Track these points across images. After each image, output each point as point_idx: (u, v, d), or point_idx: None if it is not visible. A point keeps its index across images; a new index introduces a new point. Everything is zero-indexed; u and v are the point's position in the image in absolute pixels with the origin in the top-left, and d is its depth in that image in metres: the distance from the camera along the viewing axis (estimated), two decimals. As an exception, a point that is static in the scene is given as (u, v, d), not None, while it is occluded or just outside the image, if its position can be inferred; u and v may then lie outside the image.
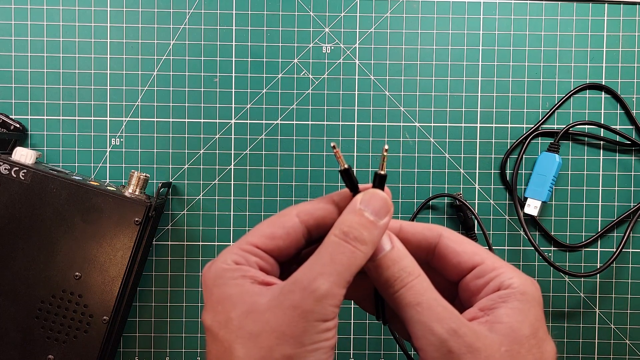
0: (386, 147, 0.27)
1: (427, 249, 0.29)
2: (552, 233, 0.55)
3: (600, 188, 0.55)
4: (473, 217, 0.53)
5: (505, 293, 0.26)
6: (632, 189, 0.55)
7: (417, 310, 0.25)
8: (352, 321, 0.55)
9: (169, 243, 0.54)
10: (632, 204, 0.55)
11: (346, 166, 0.26)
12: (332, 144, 0.27)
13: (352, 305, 0.55)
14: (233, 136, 0.54)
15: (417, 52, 0.54)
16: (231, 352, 0.24)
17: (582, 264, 0.55)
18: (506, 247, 0.55)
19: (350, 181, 0.27)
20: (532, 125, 0.54)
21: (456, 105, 0.55)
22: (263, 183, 0.55)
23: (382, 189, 0.27)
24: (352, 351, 0.55)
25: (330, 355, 0.24)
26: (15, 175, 0.46)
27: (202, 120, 0.54)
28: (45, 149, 0.54)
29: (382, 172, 0.27)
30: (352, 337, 0.55)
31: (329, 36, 0.54)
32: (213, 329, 0.25)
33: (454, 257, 0.28)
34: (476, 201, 0.55)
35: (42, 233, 0.47)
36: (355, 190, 0.27)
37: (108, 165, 0.54)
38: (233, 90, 0.54)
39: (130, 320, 0.54)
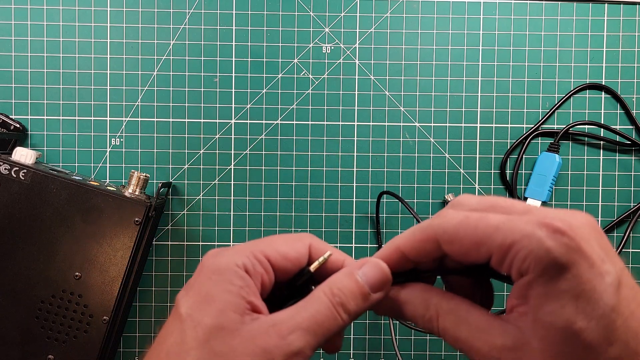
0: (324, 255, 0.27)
1: (436, 255, 0.26)
2: (552, 233, 0.55)
3: (600, 188, 0.55)
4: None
5: (526, 281, 0.22)
6: (632, 189, 0.55)
7: (460, 346, 0.24)
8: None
9: (169, 243, 0.54)
10: (632, 204, 0.55)
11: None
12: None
13: (352, 305, 0.55)
14: (233, 136, 0.54)
15: (417, 52, 0.54)
16: (187, 353, 0.23)
17: (582, 264, 0.55)
18: (506, 247, 0.55)
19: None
20: (532, 125, 0.54)
21: (456, 105, 0.55)
22: (263, 183, 0.55)
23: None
24: (352, 351, 0.55)
25: None
26: (15, 175, 0.46)
27: (202, 120, 0.54)
28: (45, 149, 0.54)
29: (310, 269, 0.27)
30: (352, 337, 0.55)
31: (329, 36, 0.54)
32: (182, 316, 0.24)
33: (459, 257, 0.24)
34: (476, 201, 0.55)
35: (42, 233, 0.47)
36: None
37: (108, 165, 0.54)
38: (233, 90, 0.54)
39: (130, 320, 0.54)
